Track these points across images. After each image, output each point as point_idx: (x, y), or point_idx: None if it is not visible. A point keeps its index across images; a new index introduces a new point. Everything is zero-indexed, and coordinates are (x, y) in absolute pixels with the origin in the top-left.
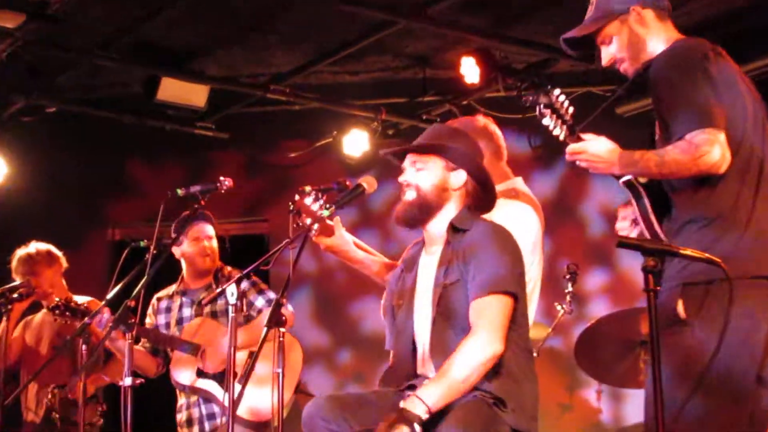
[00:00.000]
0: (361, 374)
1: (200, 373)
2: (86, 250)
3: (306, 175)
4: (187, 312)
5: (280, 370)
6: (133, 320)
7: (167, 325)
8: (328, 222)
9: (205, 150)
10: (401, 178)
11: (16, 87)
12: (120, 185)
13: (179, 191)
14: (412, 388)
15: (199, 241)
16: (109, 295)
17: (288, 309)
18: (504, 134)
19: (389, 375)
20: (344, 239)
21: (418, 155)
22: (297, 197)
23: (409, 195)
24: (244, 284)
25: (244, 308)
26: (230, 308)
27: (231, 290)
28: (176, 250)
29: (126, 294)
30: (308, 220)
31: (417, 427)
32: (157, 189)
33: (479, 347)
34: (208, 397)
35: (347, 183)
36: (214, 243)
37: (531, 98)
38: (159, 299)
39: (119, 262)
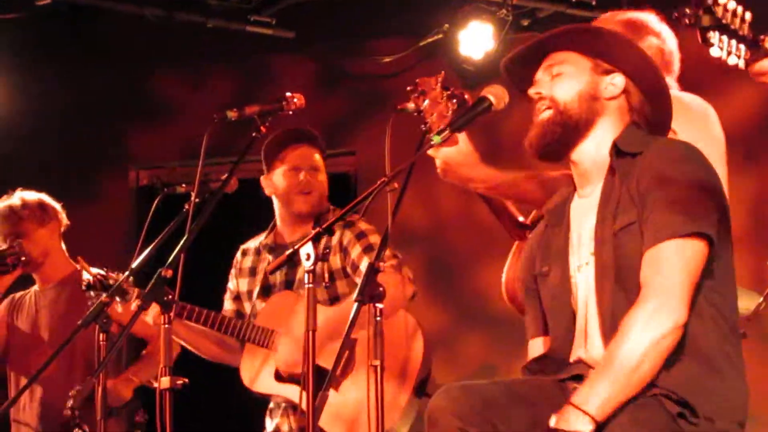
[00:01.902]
0: (493, 366)
1: (281, 375)
2: (100, 200)
3: (406, 87)
4: (278, 276)
5: (377, 364)
6: (171, 296)
7: (249, 295)
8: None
9: (263, 55)
10: (531, 90)
11: None
12: (145, 109)
13: (229, 114)
14: (579, 378)
15: (297, 172)
16: (136, 263)
17: (392, 272)
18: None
19: (542, 362)
20: (473, 154)
21: (554, 55)
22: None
23: (544, 113)
24: (343, 236)
25: (349, 271)
26: (306, 277)
27: (306, 251)
28: (266, 183)
29: (159, 260)
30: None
31: None
32: (197, 112)
33: (650, 318)
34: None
35: (466, 96)
36: (321, 176)
37: (688, 18)
38: (245, 253)
39: (147, 216)
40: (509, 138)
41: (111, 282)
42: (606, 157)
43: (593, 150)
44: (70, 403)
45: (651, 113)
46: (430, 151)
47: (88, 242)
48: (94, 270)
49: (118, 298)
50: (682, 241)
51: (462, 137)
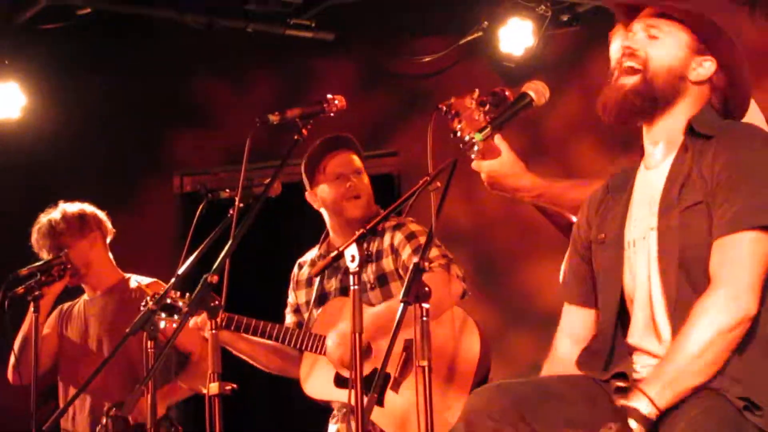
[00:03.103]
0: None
1: (340, 380)
2: (144, 206)
3: (447, 86)
4: (334, 283)
5: (425, 364)
6: (217, 302)
7: (308, 305)
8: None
9: (304, 57)
10: (625, 42)
11: None
12: (186, 115)
13: (271, 118)
14: (622, 376)
15: (343, 180)
16: (182, 269)
17: (440, 271)
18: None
19: (589, 354)
20: (517, 164)
21: (657, 18)
22: (452, 101)
23: (628, 78)
24: (394, 238)
25: (402, 273)
26: (351, 279)
27: (350, 252)
28: (312, 198)
29: (204, 266)
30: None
31: (634, 422)
32: (239, 117)
33: (721, 308)
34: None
35: (506, 93)
36: (365, 178)
37: None
38: (301, 266)
39: (192, 222)
40: (552, 134)
41: (169, 302)
42: (680, 133)
43: (668, 125)
44: (116, 411)
45: (729, 106)
46: (473, 165)
47: (133, 249)
48: (145, 281)
49: (165, 314)
50: (759, 233)
51: (504, 147)
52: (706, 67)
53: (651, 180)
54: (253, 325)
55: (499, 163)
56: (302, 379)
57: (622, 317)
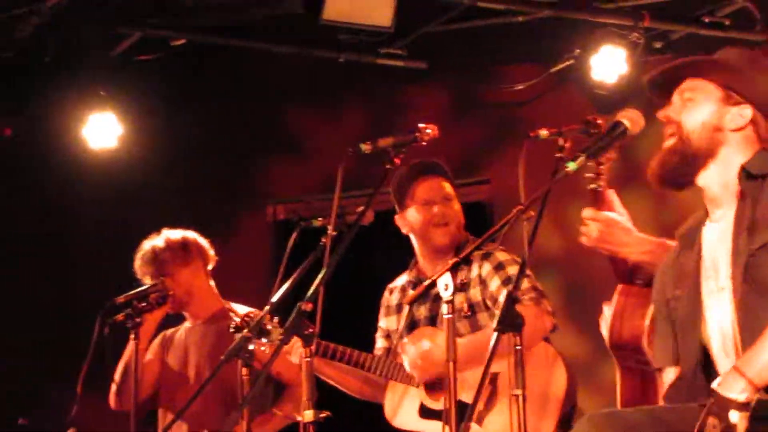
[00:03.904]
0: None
1: (426, 410)
2: (238, 235)
3: (539, 113)
4: (422, 311)
5: (519, 393)
6: (311, 329)
7: (397, 332)
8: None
9: (396, 86)
10: (661, 113)
11: (127, 13)
12: (279, 144)
13: (363, 147)
14: None
15: (431, 206)
16: (275, 297)
17: (531, 305)
18: None
19: (677, 390)
20: (629, 220)
21: (689, 81)
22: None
23: (668, 140)
24: (482, 268)
25: (489, 304)
26: (445, 308)
27: (444, 281)
28: (401, 223)
29: (298, 295)
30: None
31: (734, 415)
32: (331, 146)
33: None
34: None
35: (599, 122)
36: (455, 205)
37: None
38: (391, 291)
39: (285, 250)
40: (645, 163)
41: (263, 327)
42: (734, 181)
43: (719, 176)
44: None
45: None
46: (585, 213)
47: (227, 276)
48: (243, 310)
49: (261, 339)
50: None
51: (617, 201)
52: (744, 114)
53: (717, 232)
54: (341, 352)
55: (615, 215)
56: (387, 409)
57: (706, 368)
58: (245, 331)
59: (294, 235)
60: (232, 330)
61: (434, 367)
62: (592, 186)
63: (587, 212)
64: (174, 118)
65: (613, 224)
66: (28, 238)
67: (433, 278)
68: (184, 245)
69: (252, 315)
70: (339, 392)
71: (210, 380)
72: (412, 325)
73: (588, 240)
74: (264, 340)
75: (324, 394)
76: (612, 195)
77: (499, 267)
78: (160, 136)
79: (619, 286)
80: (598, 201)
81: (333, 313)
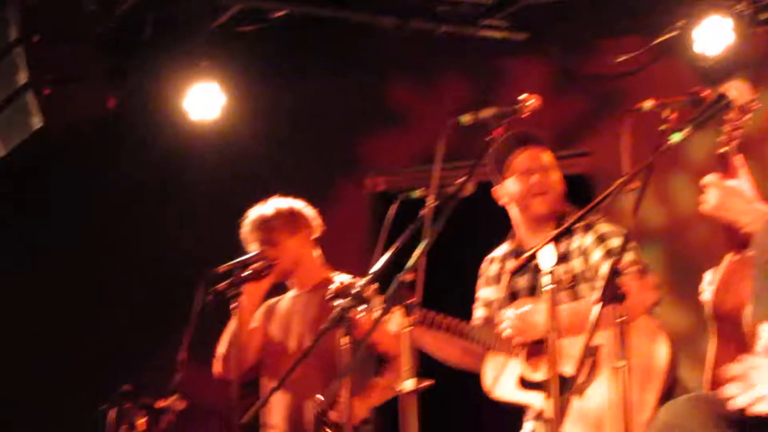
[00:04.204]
0: None
1: (526, 381)
2: (338, 207)
3: (642, 85)
4: (522, 282)
5: (622, 365)
6: (412, 300)
7: (496, 302)
8: None
9: (496, 58)
10: None
11: None
12: (380, 116)
13: (463, 119)
14: None
15: (529, 175)
16: (375, 267)
17: (634, 278)
18: None
19: None
20: (751, 189)
21: None
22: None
23: None
24: (583, 239)
25: (590, 276)
26: (545, 279)
27: (545, 252)
28: (500, 193)
29: (397, 267)
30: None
31: None
32: (431, 118)
33: None
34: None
35: (703, 94)
36: (554, 175)
37: None
38: (491, 261)
39: (385, 222)
40: (751, 134)
41: (359, 290)
42: None
43: None
44: (317, 406)
45: None
46: (707, 179)
47: (326, 249)
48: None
49: (360, 307)
50: None
51: (743, 169)
52: None
53: None
54: (441, 320)
55: (738, 183)
56: (486, 380)
57: None
58: (344, 299)
59: (394, 207)
60: (329, 298)
61: (534, 331)
62: (721, 150)
63: (709, 178)
64: (275, 89)
65: (733, 192)
66: (132, 210)
67: (535, 249)
68: (292, 214)
69: (350, 283)
70: (438, 363)
71: (311, 349)
72: (511, 296)
73: (706, 206)
74: (362, 308)
75: (424, 366)
76: (739, 162)
77: (601, 239)
78: (262, 108)
79: (729, 255)
80: (724, 166)
81: (433, 284)
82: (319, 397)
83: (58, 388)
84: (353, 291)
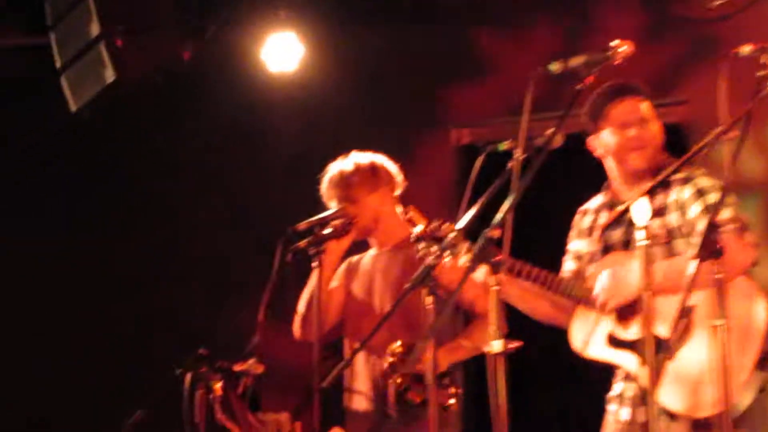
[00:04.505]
0: None
1: (616, 339)
2: (421, 160)
3: (739, 30)
4: (616, 236)
5: (721, 323)
6: (499, 257)
7: (588, 256)
8: None
9: (586, 3)
10: None
11: None
12: (465, 65)
13: (553, 66)
14: None
15: (626, 128)
16: (461, 223)
17: (732, 236)
18: None
19: None
20: None
21: None
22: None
23: None
24: (681, 193)
25: (687, 231)
26: (639, 234)
27: (639, 206)
28: (595, 145)
29: (483, 223)
30: None
31: None
32: (519, 66)
33: None
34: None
35: None
36: (653, 127)
37: None
38: (584, 214)
39: (471, 176)
40: None
41: (442, 234)
42: None
43: None
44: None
45: None
46: None
47: (409, 203)
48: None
49: (447, 252)
50: None
51: None
52: None
53: None
54: (529, 270)
55: None
56: (574, 337)
57: None
58: (428, 243)
59: (480, 160)
60: (413, 240)
61: (626, 292)
62: None
63: None
64: (356, 39)
65: None
66: (207, 166)
67: (628, 203)
68: (373, 169)
69: (435, 226)
70: (530, 322)
71: (394, 310)
72: (604, 250)
73: None
74: (448, 254)
75: (512, 326)
76: None
77: (700, 192)
78: (342, 58)
79: None
80: None
81: (521, 240)
82: (398, 346)
83: (133, 351)
84: (438, 234)
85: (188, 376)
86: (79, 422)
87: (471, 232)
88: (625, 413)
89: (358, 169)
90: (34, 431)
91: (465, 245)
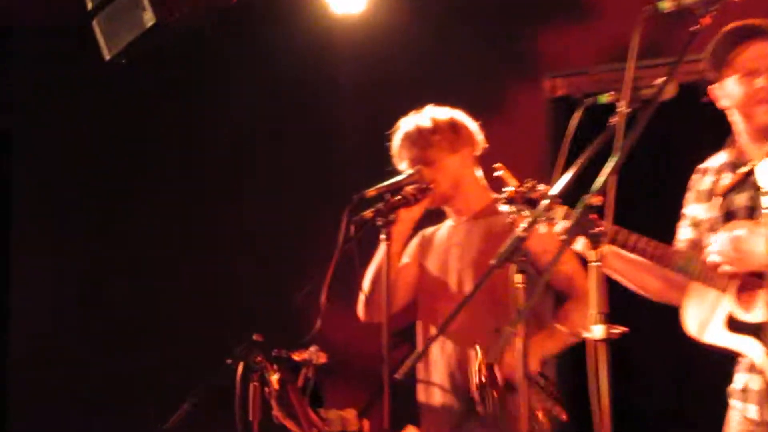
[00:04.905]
0: None
1: (736, 322)
2: (509, 115)
3: None
4: (740, 200)
5: None
6: (600, 228)
7: (707, 223)
8: None
9: None
10: None
11: None
12: (559, 6)
13: (663, 5)
14: None
15: (754, 77)
16: (556, 188)
17: None
18: None
19: None
20: None
21: None
22: None
23: None
24: None
25: None
26: (764, 201)
27: (763, 169)
28: (717, 94)
29: (581, 185)
30: None
31: None
32: (623, 5)
33: None
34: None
35: None
36: None
37: None
38: (704, 173)
39: (567, 133)
40: None
41: (536, 196)
42: None
43: None
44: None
45: None
46: None
47: (501, 154)
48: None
49: (541, 219)
50: None
51: None
52: None
53: None
54: (636, 240)
55: None
56: (688, 320)
57: None
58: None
59: (577, 114)
60: (502, 203)
61: (749, 260)
62: None
63: None
64: None
65: None
66: (260, 124)
67: (755, 163)
68: (453, 127)
69: (527, 187)
70: (637, 303)
71: (476, 290)
72: (726, 216)
73: None
74: (542, 220)
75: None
76: None
77: None
78: (425, 7)
79: None
80: None
81: (626, 207)
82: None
83: (178, 337)
84: (531, 196)
85: (240, 366)
86: (122, 412)
87: (567, 199)
88: (752, 410)
89: (437, 126)
90: (77, 421)
91: (562, 211)
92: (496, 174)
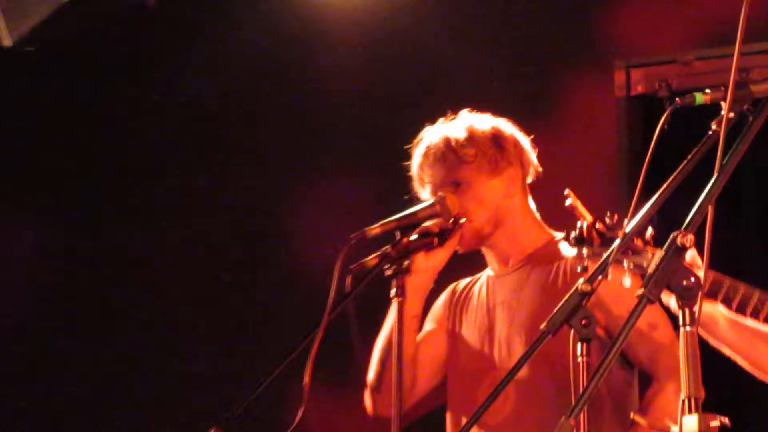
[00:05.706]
0: None
1: None
2: (570, 116)
3: None
4: None
5: None
6: (695, 279)
7: None
8: None
9: None
10: None
11: None
12: None
13: None
14: None
15: None
16: (634, 219)
17: None
18: None
19: None
20: None
21: None
22: None
23: None
24: None
25: None
26: None
27: None
28: None
29: (670, 215)
30: None
31: None
32: None
33: None
34: None
35: None
36: None
37: None
38: None
39: (651, 141)
40: None
41: (615, 235)
42: None
43: None
44: None
45: None
46: None
47: (558, 174)
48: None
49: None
50: None
51: None
52: None
53: None
54: (747, 297)
55: None
56: None
57: None
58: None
59: (664, 117)
60: (572, 240)
61: None
62: None
63: None
64: None
65: None
66: (223, 124)
67: None
68: (496, 140)
69: (605, 224)
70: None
71: (521, 365)
72: None
73: None
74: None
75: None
76: None
77: None
78: None
79: None
80: None
81: (728, 246)
82: None
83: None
84: (613, 236)
85: None
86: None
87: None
88: None
89: (474, 139)
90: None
91: (650, 255)
92: (566, 203)
